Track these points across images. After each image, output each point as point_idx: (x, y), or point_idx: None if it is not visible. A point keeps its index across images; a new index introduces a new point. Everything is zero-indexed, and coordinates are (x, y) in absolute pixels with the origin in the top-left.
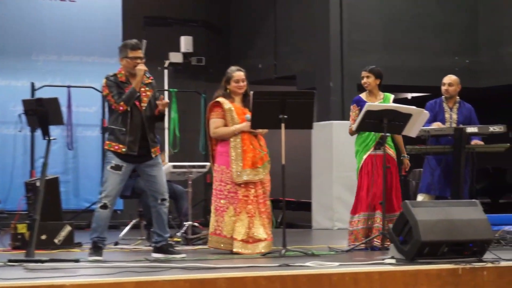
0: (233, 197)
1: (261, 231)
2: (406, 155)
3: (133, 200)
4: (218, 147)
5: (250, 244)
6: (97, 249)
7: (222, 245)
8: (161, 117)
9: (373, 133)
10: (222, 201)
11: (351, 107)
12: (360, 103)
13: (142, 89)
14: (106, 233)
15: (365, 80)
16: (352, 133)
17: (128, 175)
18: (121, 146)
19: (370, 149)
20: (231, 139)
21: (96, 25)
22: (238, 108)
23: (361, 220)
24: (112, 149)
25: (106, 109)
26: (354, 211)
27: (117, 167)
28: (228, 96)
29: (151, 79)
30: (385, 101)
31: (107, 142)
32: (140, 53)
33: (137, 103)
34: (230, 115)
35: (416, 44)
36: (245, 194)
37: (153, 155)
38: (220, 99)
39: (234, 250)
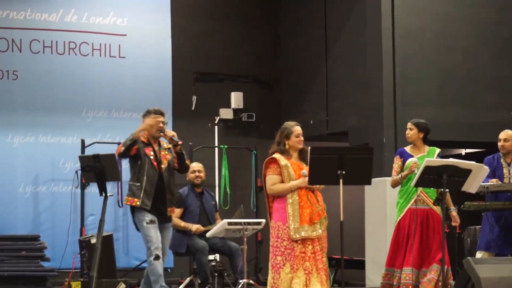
0: (289, 254)
1: None
2: (453, 208)
3: (184, 258)
4: (275, 203)
5: None
6: None
7: None
8: (181, 162)
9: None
10: (278, 257)
11: (395, 158)
12: (403, 155)
13: (162, 153)
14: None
15: (407, 131)
16: (394, 185)
17: None
18: (136, 200)
19: (410, 201)
20: (288, 195)
21: (146, 81)
22: (294, 164)
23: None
24: (128, 203)
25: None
26: (395, 263)
27: (151, 222)
28: (285, 152)
29: (180, 143)
30: (429, 155)
31: (126, 197)
32: (163, 118)
33: (154, 162)
34: (286, 171)
35: (471, 99)
36: (302, 250)
37: (168, 214)
38: (276, 155)
39: None
